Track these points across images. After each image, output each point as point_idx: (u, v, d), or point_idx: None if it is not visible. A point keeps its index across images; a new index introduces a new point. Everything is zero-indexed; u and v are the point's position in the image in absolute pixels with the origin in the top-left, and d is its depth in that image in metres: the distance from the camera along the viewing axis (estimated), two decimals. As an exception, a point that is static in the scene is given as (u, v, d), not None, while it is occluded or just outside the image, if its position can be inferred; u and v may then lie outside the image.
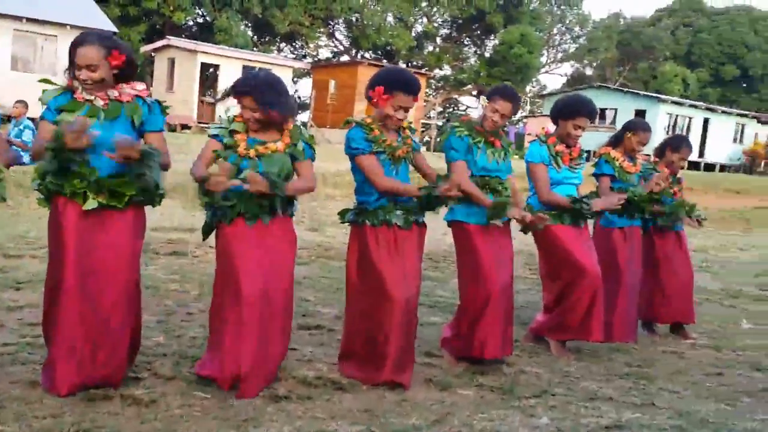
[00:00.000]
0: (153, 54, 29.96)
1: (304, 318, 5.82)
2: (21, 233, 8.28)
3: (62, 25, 22.44)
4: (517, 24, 45.90)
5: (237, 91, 4.05)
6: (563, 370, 5.02)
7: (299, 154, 4.13)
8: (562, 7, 52.80)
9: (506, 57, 43.31)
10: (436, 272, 8.24)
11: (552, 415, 4.09)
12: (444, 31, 52.61)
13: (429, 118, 35.83)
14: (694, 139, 35.64)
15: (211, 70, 29.68)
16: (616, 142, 5.95)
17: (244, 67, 27.29)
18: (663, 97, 38.32)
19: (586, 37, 53.66)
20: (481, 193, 4.74)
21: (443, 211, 4.95)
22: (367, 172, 4.34)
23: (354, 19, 46.37)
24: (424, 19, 50.68)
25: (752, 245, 13.66)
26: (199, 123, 26.90)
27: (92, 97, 3.81)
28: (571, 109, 5.34)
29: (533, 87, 53.61)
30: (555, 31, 54.14)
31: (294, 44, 49.44)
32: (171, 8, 35.40)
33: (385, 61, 44.16)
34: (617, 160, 5.84)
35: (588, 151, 5.81)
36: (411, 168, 4.61)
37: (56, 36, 22.60)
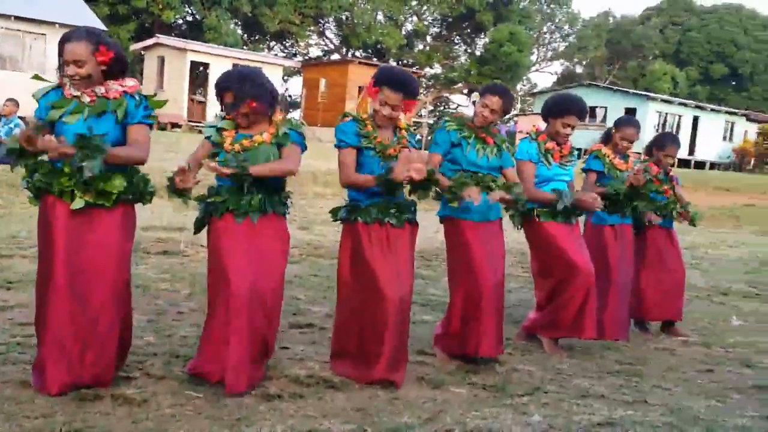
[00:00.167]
0: (143, 52, 29.87)
1: (295, 316, 5.81)
2: (12, 233, 8.24)
3: (51, 24, 22.34)
4: (506, 22, 46.02)
5: (218, 89, 4.07)
6: (555, 368, 5.03)
7: (283, 140, 4.11)
8: (552, 5, 52.95)
9: (496, 55, 43.39)
10: (429, 270, 8.24)
11: (544, 412, 4.10)
12: (434, 30, 52.70)
13: (420, 116, 35.82)
14: (684, 137, 35.82)
15: (201, 68, 29.60)
16: (607, 139, 5.98)
17: (234, 66, 27.09)
18: (652, 95, 38.47)
19: (576, 36, 53.86)
20: (441, 176, 4.66)
21: (436, 208, 4.96)
22: (339, 164, 4.38)
23: (344, 17, 46.38)
24: (414, 18, 50.75)
25: (742, 242, 13.72)
26: (189, 121, 26.84)
27: (79, 93, 3.80)
28: (560, 108, 5.36)
29: (524, 85, 53.78)
30: (545, 29, 54.33)
31: (284, 43, 49.43)
32: (160, 7, 35.33)
33: (375, 59, 44.15)
34: (608, 156, 5.86)
35: (580, 149, 5.82)
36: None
37: (45, 35, 22.51)
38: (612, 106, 35.62)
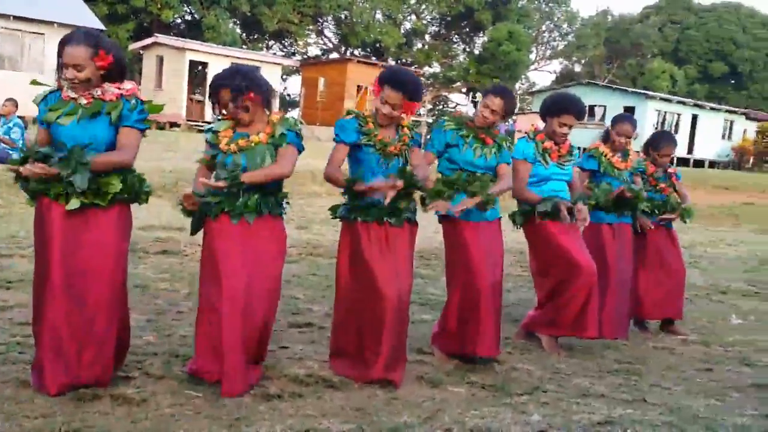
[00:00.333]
0: (141, 52, 29.85)
1: (294, 316, 5.81)
2: (11, 233, 8.24)
3: (49, 23, 22.31)
4: (505, 21, 46.01)
5: (213, 88, 4.06)
6: (555, 367, 5.03)
7: (279, 141, 4.10)
8: (550, 4, 52.96)
9: (495, 54, 43.39)
10: (428, 270, 8.24)
11: (543, 411, 4.10)
12: (433, 29, 52.68)
13: (419, 115, 35.83)
14: (683, 135, 35.85)
15: (199, 67, 29.59)
16: (606, 138, 5.97)
17: (233, 65, 27.17)
18: (651, 93, 38.49)
19: (575, 35, 53.85)
20: (429, 179, 4.71)
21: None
22: (330, 156, 4.41)
23: (343, 16, 46.37)
24: (413, 17, 50.75)
25: (741, 241, 13.73)
26: (188, 121, 26.83)
27: (76, 96, 3.81)
28: (557, 107, 5.36)
29: (522, 84, 53.81)
30: (543, 28, 54.31)
31: (283, 42, 49.41)
32: (159, 6, 35.31)
33: (374, 58, 44.14)
34: (605, 155, 5.86)
35: (581, 148, 5.81)
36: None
37: (43, 34, 22.48)
38: (611, 105, 35.61)
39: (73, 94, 3.81)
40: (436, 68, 51.70)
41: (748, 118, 41.08)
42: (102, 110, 3.81)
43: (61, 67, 3.81)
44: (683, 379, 5.01)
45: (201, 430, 3.51)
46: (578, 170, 5.72)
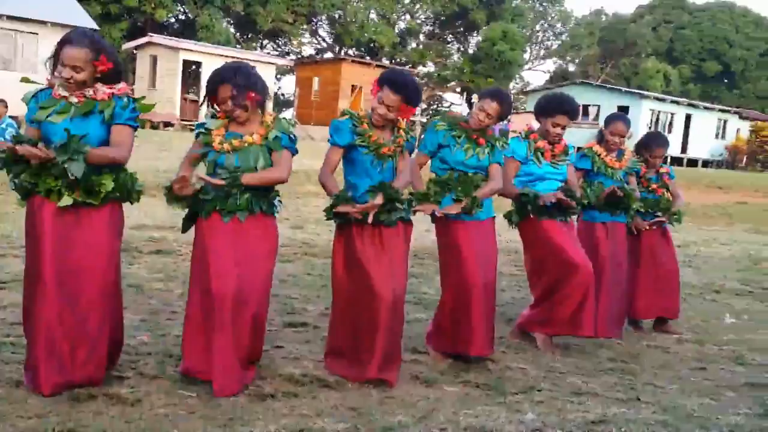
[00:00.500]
0: (135, 51, 29.80)
1: (290, 315, 5.80)
2: (4, 232, 8.21)
3: (43, 23, 22.27)
4: (499, 21, 46.04)
5: (213, 84, 4.02)
6: (549, 366, 5.04)
7: (273, 145, 4.08)
8: (544, 3, 53.04)
9: (489, 54, 43.42)
10: (421, 269, 8.24)
11: (538, 410, 4.10)
12: (427, 28, 52.72)
13: (413, 115, 35.83)
14: (677, 135, 35.93)
15: (193, 67, 29.55)
16: (601, 138, 5.98)
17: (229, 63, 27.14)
18: (645, 93, 38.57)
19: (569, 34, 53.96)
20: (418, 177, 4.83)
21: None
22: (325, 158, 4.42)
23: (337, 15, 46.36)
24: (408, 16, 50.77)
25: (734, 240, 13.75)
26: (182, 120, 26.79)
27: (68, 94, 3.80)
28: (551, 107, 5.37)
29: (516, 83, 53.85)
30: (537, 27, 54.41)
31: (277, 41, 49.37)
32: (152, 5, 35.24)
33: (368, 58, 44.13)
34: (599, 154, 5.86)
35: (579, 147, 5.81)
36: None
37: (37, 34, 22.43)
38: (605, 105, 35.66)
39: (64, 93, 3.80)
40: (430, 68, 51.73)
41: (741, 117, 41.21)
42: (94, 109, 3.80)
43: (54, 64, 3.80)
44: (677, 378, 5.02)
45: (195, 429, 3.50)
46: (573, 169, 5.72)
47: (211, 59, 27.72)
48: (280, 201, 4.26)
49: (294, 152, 4.17)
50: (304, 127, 28.63)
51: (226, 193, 3.98)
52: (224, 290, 3.86)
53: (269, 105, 4.31)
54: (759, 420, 4.21)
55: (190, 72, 29.44)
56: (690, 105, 39.08)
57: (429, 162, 5.07)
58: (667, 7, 56.90)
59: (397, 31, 49.03)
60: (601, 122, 6.21)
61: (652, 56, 52.96)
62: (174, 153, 14.50)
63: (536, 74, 73.33)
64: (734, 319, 7.09)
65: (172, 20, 41.26)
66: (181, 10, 40.17)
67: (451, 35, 53.33)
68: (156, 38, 28.86)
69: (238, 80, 3.97)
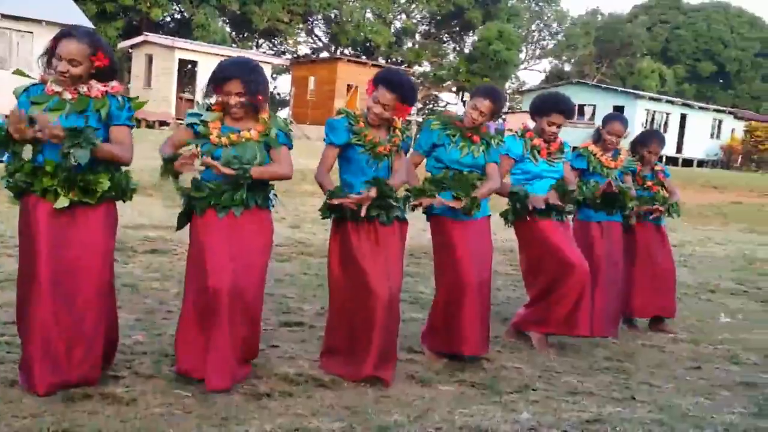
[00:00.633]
0: (130, 50, 29.74)
1: (285, 315, 5.80)
2: (-3, 231, 8.19)
3: (38, 22, 22.20)
4: (495, 20, 46.05)
5: (224, 76, 3.97)
6: (544, 365, 5.04)
7: (273, 142, 4.08)
8: (540, 3, 53.08)
9: (485, 53, 43.41)
10: (417, 268, 8.24)
11: (533, 410, 4.11)
12: (423, 28, 52.70)
13: (409, 115, 35.88)
14: (672, 134, 35.99)
15: (189, 66, 29.50)
16: (598, 137, 5.99)
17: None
18: (641, 93, 38.63)
19: (564, 34, 53.98)
20: (413, 175, 4.81)
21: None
22: (321, 158, 4.42)
23: (333, 15, 46.32)
24: (403, 16, 50.74)
25: (729, 240, 13.78)
26: (178, 120, 26.73)
27: (61, 90, 3.78)
28: (546, 106, 5.39)
29: (512, 83, 53.85)
30: (533, 27, 54.43)
31: (273, 40, 49.30)
32: (148, 4, 35.19)
33: (364, 57, 44.11)
34: (595, 154, 5.87)
35: (574, 148, 5.83)
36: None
37: (32, 32, 22.36)
38: (600, 104, 35.71)
39: (58, 89, 3.77)
40: (426, 67, 51.71)
41: (736, 117, 41.28)
42: (89, 107, 3.79)
43: (49, 59, 3.78)
44: (672, 377, 5.03)
45: (190, 429, 3.50)
46: (570, 167, 5.73)
47: (206, 58, 27.68)
48: (275, 195, 4.27)
49: (290, 147, 4.19)
50: (300, 127, 28.62)
51: (221, 189, 3.98)
52: (220, 285, 3.85)
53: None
54: (754, 419, 4.22)
55: (186, 71, 29.39)
56: (685, 105, 39.14)
57: (424, 161, 5.07)
58: (663, 8, 57.00)
59: (392, 30, 48.99)
60: (597, 122, 6.23)
61: (647, 56, 53.02)
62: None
63: (532, 74, 73.22)
64: (729, 319, 7.11)
65: (168, 19, 41.21)
66: (177, 9, 40.11)
67: (447, 35, 53.31)
68: (151, 37, 28.82)
69: (250, 78, 3.95)
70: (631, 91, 38.90)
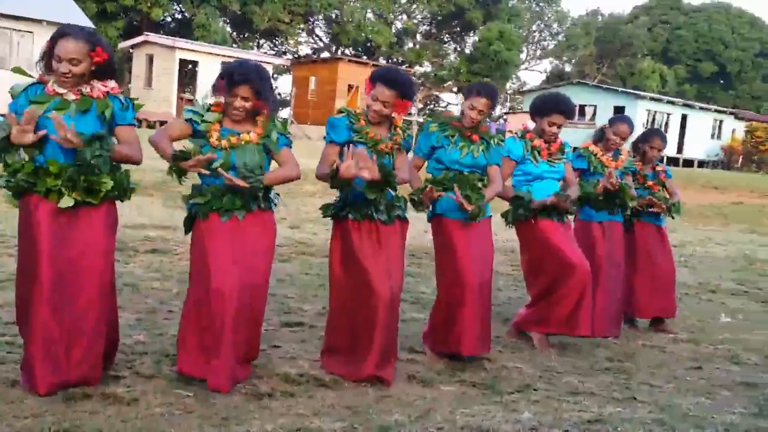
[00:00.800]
0: (131, 50, 29.74)
1: (286, 315, 5.80)
2: (-2, 231, 8.19)
3: (38, 21, 22.20)
4: (496, 21, 46.06)
5: (233, 80, 3.95)
6: (545, 365, 5.04)
7: (273, 145, 4.09)
8: (541, 4, 53.09)
9: (486, 54, 43.43)
10: (419, 268, 8.24)
11: (534, 410, 4.11)
12: (424, 28, 52.72)
13: (410, 115, 35.84)
14: (673, 135, 35.98)
15: (189, 66, 29.52)
16: (600, 137, 6.00)
17: (223, 64, 27.06)
18: (642, 93, 38.62)
19: (565, 34, 53.98)
20: (416, 178, 4.81)
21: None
22: (321, 156, 4.43)
23: (334, 15, 46.33)
24: (404, 16, 50.76)
25: (729, 240, 13.78)
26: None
27: (64, 91, 3.77)
28: (546, 107, 5.38)
29: (513, 83, 53.85)
30: (534, 27, 54.44)
31: (274, 41, 49.33)
32: (148, 4, 35.19)
33: (365, 57, 44.13)
34: (596, 154, 5.88)
35: (574, 148, 5.84)
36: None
37: (32, 32, 22.36)
38: (601, 105, 35.73)
39: (60, 90, 3.77)
40: (427, 67, 51.73)
41: (736, 117, 41.27)
42: (92, 107, 3.79)
43: (48, 57, 3.77)
44: (673, 377, 5.03)
45: (191, 429, 3.50)
46: (571, 167, 5.73)
47: (207, 58, 27.72)
48: (277, 194, 4.27)
49: (290, 147, 4.21)
50: (301, 127, 28.63)
51: (222, 193, 3.98)
52: (224, 288, 3.85)
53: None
54: (754, 419, 4.23)
55: (187, 71, 29.41)
56: (686, 105, 39.13)
57: (425, 165, 5.08)
58: (663, 8, 56.99)
59: (393, 30, 49.02)
60: (598, 122, 6.24)
61: (648, 57, 53.02)
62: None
63: (533, 74, 73.66)
64: (729, 319, 7.11)
65: (168, 19, 41.23)
66: (178, 9, 40.12)
67: (447, 35, 53.33)
68: (152, 37, 28.83)
69: (260, 85, 3.96)
70: (632, 91, 38.89)
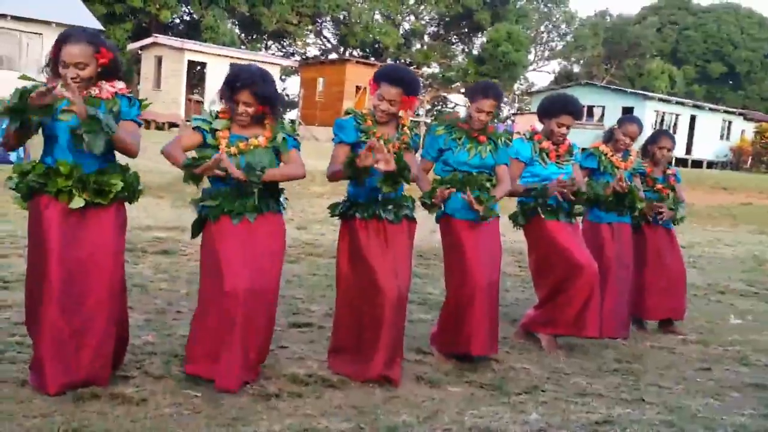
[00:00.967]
0: (140, 52, 29.85)
1: (294, 316, 5.81)
2: (8, 232, 8.23)
3: (47, 23, 22.32)
4: (504, 22, 46.03)
5: (234, 86, 3.98)
6: (553, 366, 5.04)
7: (282, 147, 4.11)
8: (549, 4, 53.03)
9: (494, 54, 43.40)
10: (427, 269, 8.25)
11: (542, 411, 4.10)
12: (432, 29, 52.73)
13: (417, 115, 35.85)
14: (681, 136, 35.88)
15: (198, 68, 29.59)
16: (609, 137, 5.99)
17: (232, 65, 27.06)
18: (650, 94, 38.54)
19: (573, 35, 53.90)
20: (425, 180, 4.79)
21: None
22: (331, 157, 4.42)
23: (342, 16, 46.39)
24: (412, 17, 50.78)
25: (738, 241, 13.74)
26: (187, 121, 26.82)
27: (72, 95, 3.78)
28: (555, 108, 5.38)
29: (521, 84, 53.80)
30: (542, 28, 54.38)
31: (282, 42, 49.40)
32: (157, 6, 35.29)
33: (373, 58, 44.15)
34: (606, 154, 5.87)
35: (583, 149, 5.83)
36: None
37: (41, 34, 22.48)
38: (609, 106, 35.66)
39: (68, 94, 3.78)
40: (434, 69, 51.74)
41: (745, 118, 41.14)
42: (101, 106, 3.81)
43: (54, 63, 3.79)
44: (682, 378, 5.02)
45: (200, 429, 3.51)
46: (579, 167, 5.72)
47: (215, 60, 27.79)
48: (286, 198, 4.28)
49: (298, 149, 4.21)
50: (309, 128, 28.67)
51: (234, 195, 3.99)
52: (236, 290, 3.85)
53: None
54: (763, 420, 4.21)
55: (195, 73, 29.50)
56: (695, 106, 39.02)
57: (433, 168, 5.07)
58: (672, 8, 56.85)
59: (401, 32, 49.04)
60: (606, 123, 6.24)
61: (656, 57, 52.89)
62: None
63: (541, 75, 73.55)
64: (739, 320, 7.09)
65: (177, 21, 41.33)
66: (186, 10, 40.21)
67: (455, 36, 53.31)
68: (161, 39, 28.92)
69: (264, 92, 3.97)
70: (641, 92, 38.81)
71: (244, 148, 4.03)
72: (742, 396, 4.70)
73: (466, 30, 51.89)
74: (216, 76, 26.02)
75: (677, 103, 37.86)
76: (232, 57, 28.36)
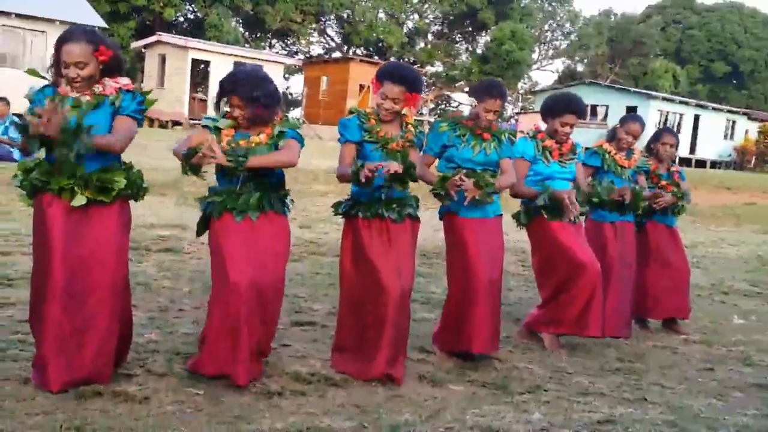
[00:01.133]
0: (144, 50, 29.87)
1: (297, 314, 5.81)
2: (12, 230, 8.24)
3: (51, 21, 22.32)
4: (508, 20, 46.03)
5: (223, 90, 4.04)
6: (556, 366, 5.03)
7: (281, 137, 4.10)
8: (553, 3, 53.01)
9: (497, 53, 43.41)
10: (430, 268, 8.24)
11: (544, 410, 4.10)
12: (435, 28, 52.74)
13: (421, 114, 35.83)
14: (685, 135, 35.84)
15: (202, 66, 29.61)
16: (612, 136, 5.99)
17: (236, 63, 27.26)
18: (654, 93, 38.50)
19: (577, 34, 53.90)
20: (430, 176, 4.75)
21: (437, 205, 4.96)
22: (339, 157, 4.44)
23: (345, 15, 46.39)
24: (416, 16, 50.78)
25: (742, 241, 13.70)
26: (191, 119, 26.84)
27: (78, 95, 3.80)
28: (558, 107, 5.37)
29: (525, 83, 53.79)
30: (546, 27, 54.38)
31: (285, 40, 49.43)
32: (161, 4, 35.35)
33: (376, 57, 44.16)
34: (610, 153, 5.87)
35: (586, 148, 5.83)
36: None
37: (45, 32, 22.49)
38: (613, 105, 35.63)
39: (74, 95, 3.79)
40: (438, 67, 51.75)
41: (749, 118, 41.08)
42: (105, 101, 3.82)
43: (57, 64, 3.80)
44: (684, 378, 5.02)
45: (202, 427, 3.51)
46: (581, 166, 5.72)
47: (219, 58, 27.80)
48: (291, 200, 4.28)
49: (301, 141, 4.18)
50: (312, 127, 28.67)
51: (238, 193, 4.00)
52: (240, 281, 3.85)
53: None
54: (766, 421, 4.21)
55: (199, 71, 29.53)
56: (698, 105, 38.98)
57: (436, 162, 5.07)
58: (676, 8, 56.81)
59: (405, 30, 49.07)
60: (610, 122, 6.23)
61: (660, 56, 52.86)
62: (182, 152, 14.48)
63: (545, 74, 73.50)
64: (742, 320, 7.08)
65: (181, 19, 41.37)
66: (190, 9, 40.27)
67: (459, 35, 53.32)
68: (165, 37, 28.95)
69: (251, 94, 3.97)
70: (644, 91, 38.77)
71: (245, 145, 4.04)
72: (745, 396, 4.69)
73: (470, 29, 51.89)
74: (220, 75, 25.84)
75: (681, 102, 37.82)
76: (235, 55, 28.39)
